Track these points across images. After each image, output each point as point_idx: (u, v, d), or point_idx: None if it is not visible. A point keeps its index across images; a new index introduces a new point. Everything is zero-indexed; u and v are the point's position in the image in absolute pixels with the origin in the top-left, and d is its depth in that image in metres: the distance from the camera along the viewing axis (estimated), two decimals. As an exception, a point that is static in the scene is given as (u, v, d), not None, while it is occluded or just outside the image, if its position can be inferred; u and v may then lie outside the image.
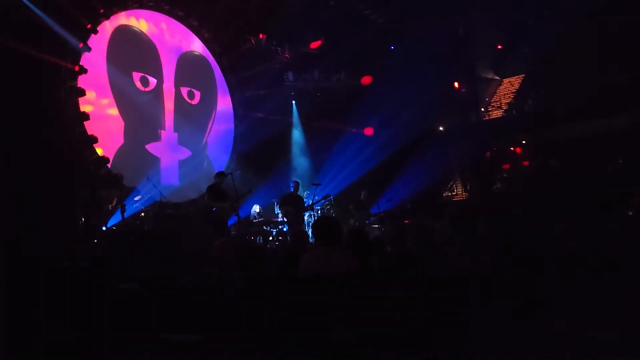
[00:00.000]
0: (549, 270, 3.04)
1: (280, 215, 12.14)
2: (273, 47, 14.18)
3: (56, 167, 8.93)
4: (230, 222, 10.21)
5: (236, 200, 9.95)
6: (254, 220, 11.94)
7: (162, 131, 12.06)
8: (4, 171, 7.96)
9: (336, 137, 14.71)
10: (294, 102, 15.34)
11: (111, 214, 9.33)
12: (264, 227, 11.69)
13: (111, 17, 11.01)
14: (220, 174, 10.21)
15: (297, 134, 15.32)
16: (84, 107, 10.17)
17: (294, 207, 10.58)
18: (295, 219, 10.40)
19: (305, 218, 11.37)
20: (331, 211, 11.97)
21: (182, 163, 12.45)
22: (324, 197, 11.42)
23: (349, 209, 12.51)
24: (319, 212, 11.71)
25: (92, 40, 10.47)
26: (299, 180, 11.71)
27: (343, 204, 12.71)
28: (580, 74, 14.03)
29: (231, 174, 10.08)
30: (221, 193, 9.57)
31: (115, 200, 9.58)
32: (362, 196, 12.68)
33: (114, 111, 10.98)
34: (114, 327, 2.86)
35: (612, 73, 12.89)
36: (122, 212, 8.92)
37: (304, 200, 11.60)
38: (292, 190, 10.88)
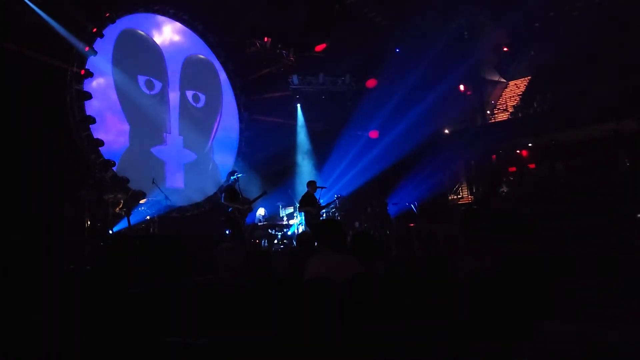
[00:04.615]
0: (555, 272, 3.01)
1: (286, 218, 12.15)
2: (278, 50, 14.20)
3: (62, 171, 8.95)
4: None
5: (250, 201, 9.91)
6: (259, 224, 11.93)
7: (167, 134, 12.09)
8: (10, 174, 7.98)
9: (341, 140, 14.70)
10: (298, 105, 15.35)
11: (117, 217, 9.33)
12: (269, 231, 11.68)
13: (117, 21, 11.05)
14: (232, 173, 10.09)
15: (302, 137, 15.32)
16: (90, 111, 10.20)
17: (315, 208, 10.55)
18: (314, 220, 10.31)
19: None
20: (336, 214, 11.95)
21: (187, 166, 12.47)
22: (337, 198, 11.46)
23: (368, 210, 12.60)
24: (324, 214, 11.69)
25: (98, 44, 10.51)
26: (315, 180, 11.37)
27: (348, 207, 12.70)
28: (587, 77, 13.97)
29: (236, 177, 10.02)
30: (236, 194, 9.52)
31: (122, 203, 9.58)
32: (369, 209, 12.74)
33: (119, 115, 11.01)
34: (120, 330, 2.86)
35: (621, 76, 12.84)
36: (128, 216, 8.94)
37: None
38: (308, 190, 10.81)
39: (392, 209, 12.86)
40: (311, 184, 10.77)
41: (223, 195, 9.53)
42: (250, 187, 11.12)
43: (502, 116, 17.69)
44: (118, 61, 11.03)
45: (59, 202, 8.49)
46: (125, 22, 11.38)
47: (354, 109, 14.90)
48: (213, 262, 3.74)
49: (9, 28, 8.48)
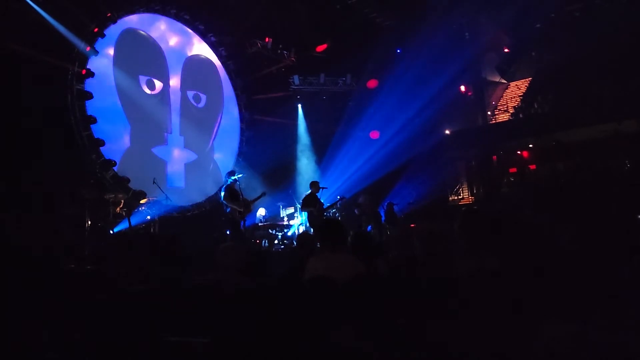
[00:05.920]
0: (554, 274, 3.01)
1: (286, 219, 12.14)
2: (279, 50, 14.22)
3: (63, 170, 8.95)
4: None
5: (250, 202, 9.90)
6: (260, 224, 11.93)
7: (168, 134, 12.10)
8: (11, 173, 7.99)
9: (342, 141, 14.71)
10: (299, 105, 15.36)
11: (118, 217, 9.33)
12: (270, 231, 11.68)
13: (118, 21, 11.07)
14: (232, 173, 9.99)
15: (302, 137, 15.33)
16: (91, 110, 10.20)
17: (317, 208, 10.56)
18: (316, 221, 10.31)
19: None
20: (337, 214, 11.95)
21: (188, 166, 12.48)
22: (340, 200, 11.49)
23: (354, 213, 12.50)
24: (325, 214, 11.69)
25: (100, 43, 10.53)
26: (317, 180, 11.42)
27: (348, 207, 12.69)
28: (588, 78, 13.96)
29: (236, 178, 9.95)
30: (236, 194, 9.49)
31: (122, 203, 9.58)
32: (360, 200, 12.52)
33: (120, 114, 11.01)
34: (120, 330, 2.86)
35: (621, 78, 12.82)
36: (129, 216, 8.94)
37: None
38: (311, 190, 10.83)
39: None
40: (314, 185, 10.81)
41: (223, 194, 9.50)
42: (251, 187, 11.12)
43: (503, 117, 17.68)
44: (119, 61, 11.05)
45: (60, 202, 8.49)
46: (126, 22, 11.40)
47: (355, 109, 14.91)
48: (213, 262, 3.74)
49: (10, 27, 8.48)
